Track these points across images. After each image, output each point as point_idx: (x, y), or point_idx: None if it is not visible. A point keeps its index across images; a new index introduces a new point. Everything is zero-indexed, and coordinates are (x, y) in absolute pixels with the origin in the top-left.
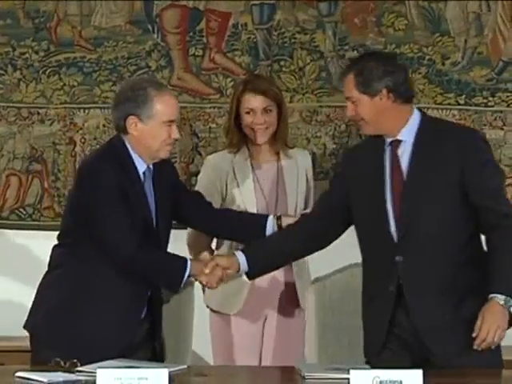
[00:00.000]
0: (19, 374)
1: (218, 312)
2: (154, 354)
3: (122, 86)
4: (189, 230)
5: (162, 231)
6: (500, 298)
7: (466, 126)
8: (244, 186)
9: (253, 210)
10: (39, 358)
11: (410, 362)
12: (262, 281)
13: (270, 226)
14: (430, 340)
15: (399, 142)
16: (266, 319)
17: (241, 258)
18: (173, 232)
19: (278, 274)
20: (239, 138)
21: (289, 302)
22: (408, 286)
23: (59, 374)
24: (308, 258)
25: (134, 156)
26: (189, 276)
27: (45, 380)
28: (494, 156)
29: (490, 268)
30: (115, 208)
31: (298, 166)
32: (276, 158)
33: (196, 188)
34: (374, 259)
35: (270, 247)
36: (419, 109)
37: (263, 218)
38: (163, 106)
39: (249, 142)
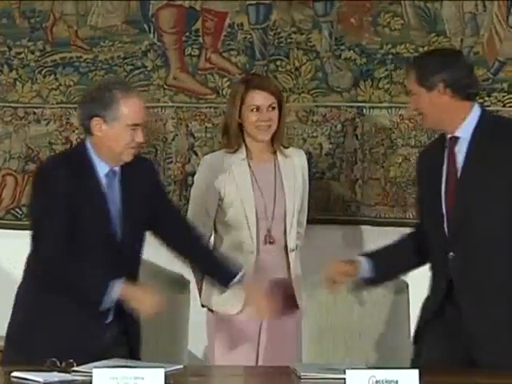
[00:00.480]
0: (15, 374)
1: (216, 312)
2: (131, 357)
3: (90, 86)
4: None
5: (128, 237)
6: None
7: None
8: (242, 185)
9: (251, 210)
10: (7, 361)
11: (453, 354)
12: (261, 282)
13: (236, 280)
14: (479, 336)
15: (457, 138)
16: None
17: (366, 263)
18: None
19: (276, 275)
20: (238, 138)
21: (287, 302)
22: (458, 283)
23: (55, 374)
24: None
25: (95, 158)
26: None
27: (41, 380)
28: None
29: None
30: (50, 214)
31: (295, 166)
32: (273, 157)
33: (192, 188)
34: (430, 250)
35: (393, 257)
36: (482, 106)
37: (234, 271)
38: (129, 109)
39: (247, 142)
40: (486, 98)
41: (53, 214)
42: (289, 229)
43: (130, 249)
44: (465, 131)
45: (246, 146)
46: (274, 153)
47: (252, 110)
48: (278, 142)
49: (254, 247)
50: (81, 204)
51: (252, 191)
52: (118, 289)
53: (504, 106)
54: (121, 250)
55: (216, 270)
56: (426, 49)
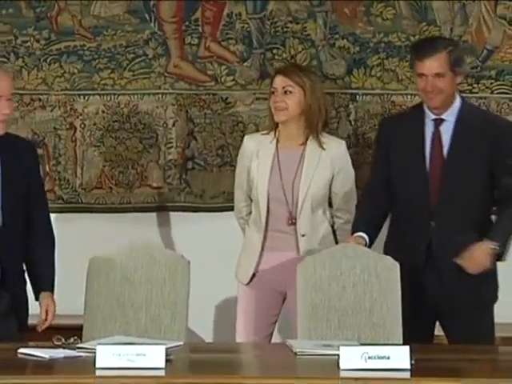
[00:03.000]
0: (22, 350)
1: (239, 281)
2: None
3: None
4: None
5: (9, 200)
6: (492, 242)
7: (502, 117)
8: (262, 165)
9: (264, 188)
10: None
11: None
12: (272, 256)
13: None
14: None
15: (442, 120)
16: (283, 294)
17: (365, 236)
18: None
19: (286, 255)
20: (272, 121)
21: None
22: (438, 249)
23: (60, 350)
24: None
25: None
26: None
27: (46, 356)
28: None
29: (492, 226)
30: None
31: (323, 153)
32: (303, 145)
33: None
34: (409, 222)
35: (370, 225)
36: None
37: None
38: None
39: (279, 126)
40: (475, 85)
41: None
42: (299, 214)
43: (11, 204)
44: (451, 114)
45: (279, 131)
46: (306, 141)
47: (272, 93)
48: (309, 129)
49: (263, 226)
50: None
51: (270, 171)
52: None
53: (492, 92)
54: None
55: (30, 275)
56: (417, 38)
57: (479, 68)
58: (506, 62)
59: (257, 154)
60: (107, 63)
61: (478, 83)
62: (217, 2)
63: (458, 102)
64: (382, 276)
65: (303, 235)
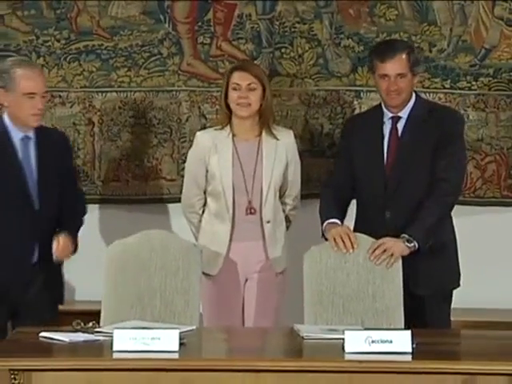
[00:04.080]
0: (43, 334)
1: (204, 273)
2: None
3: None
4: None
5: (43, 186)
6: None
7: (447, 106)
8: (223, 158)
9: (229, 180)
10: None
11: None
12: (240, 246)
13: None
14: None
15: (399, 118)
16: (246, 281)
17: (339, 222)
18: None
19: (252, 243)
20: (226, 116)
21: (266, 266)
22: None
23: (79, 334)
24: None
25: (10, 125)
26: None
27: (66, 340)
28: (463, 135)
29: (414, 216)
30: None
31: (278, 144)
32: (258, 136)
33: (186, 162)
34: (368, 212)
35: (339, 211)
36: (415, 91)
37: None
38: (22, 79)
39: (233, 120)
40: (473, 83)
41: None
42: (264, 202)
43: (46, 190)
44: (405, 112)
45: (232, 125)
46: (260, 132)
47: (234, 89)
48: (263, 121)
49: (230, 217)
50: None
51: (232, 165)
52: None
53: (490, 89)
54: (37, 212)
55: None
56: (418, 37)
57: (478, 66)
58: (503, 61)
59: (215, 149)
60: (124, 62)
61: (476, 81)
62: (228, 3)
63: (412, 100)
64: (383, 264)
65: (268, 222)
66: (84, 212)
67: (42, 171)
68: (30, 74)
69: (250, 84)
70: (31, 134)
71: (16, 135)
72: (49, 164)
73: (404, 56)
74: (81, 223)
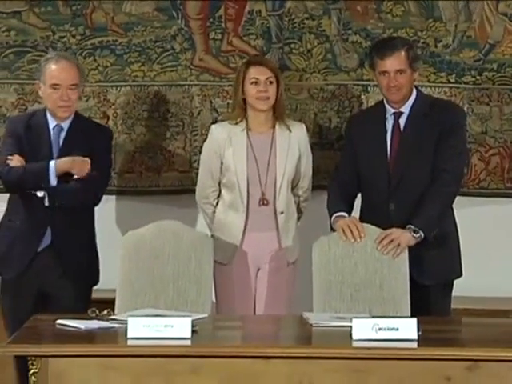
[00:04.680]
0: (59, 321)
1: (216, 262)
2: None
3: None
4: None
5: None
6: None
7: (448, 100)
8: (237, 151)
9: (243, 172)
10: None
11: None
12: (253, 236)
13: None
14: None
15: (401, 113)
16: (258, 271)
17: (347, 215)
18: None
19: (266, 234)
20: (241, 109)
21: (278, 256)
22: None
23: (95, 321)
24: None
25: (48, 115)
26: (59, 176)
27: (82, 327)
28: (464, 128)
29: (418, 207)
30: (4, 142)
31: (291, 137)
32: (272, 130)
33: (201, 154)
34: (372, 204)
35: (346, 205)
36: (416, 87)
37: None
38: (50, 71)
39: (249, 114)
40: (478, 77)
41: (4, 143)
42: (277, 193)
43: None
44: (407, 107)
45: (247, 119)
46: (274, 126)
47: (252, 84)
48: (276, 115)
49: (244, 208)
50: (21, 140)
51: (246, 158)
52: (55, 164)
53: (494, 83)
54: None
55: None
56: (424, 33)
57: (482, 61)
58: (507, 56)
59: (230, 142)
60: (137, 57)
61: (480, 75)
62: (239, 0)
63: (413, 95)
64: (390, 254)
65: (281, 212)
66: (83, 192)
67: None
68: (56, 67)
69: (268, 78)
70: (65, 124)
71: (51, 124)
72: (70, 153)
73: (403, 53)
74: (69, 197)
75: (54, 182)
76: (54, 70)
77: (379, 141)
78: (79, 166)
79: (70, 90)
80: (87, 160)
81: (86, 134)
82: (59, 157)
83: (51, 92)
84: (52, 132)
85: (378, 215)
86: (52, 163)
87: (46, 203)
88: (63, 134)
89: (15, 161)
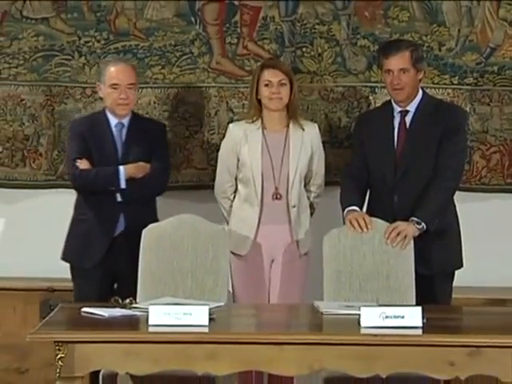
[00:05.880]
0: (84, 309)
1: (232, 253)
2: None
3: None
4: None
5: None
6: (416, 221)
7: (452, 102)
8: (253, 148)
9: (258, 168)
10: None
11: None
12: (267, 229)
13: None
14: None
15: (407, 111)
16: (272, 262)
17: (359, 210)
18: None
19: (279, 226)
20: (257, 110)
21: (291, 248)
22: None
23: (118, 309)
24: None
25: (109, 114)
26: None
27: (106, 314)
28: (465, 128)
29: (421, 200)
30: (70, 144)
31: (304, 135)
32: (286, 128)
33: (220, 151)
34: (378, 196)
35: (358, 199)
36: (421, 88)
37: None
38: (109, 72)
39: (264, 114)
40: (480, 79)
41: (70, 144)
42: (290, 188)
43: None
44: (414, 106)
45: (262, 118)
46: (288, 125)
47: (265, 85)
48: (290, 115)
49: (259, 202)
50: (85, 139)
51: (261, 154)
52: (124, 169)
53: (495, 85)
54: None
55: None
56: (428, 37)
57: (483, 64)
58: (507, 59)
59: (246, 139)
60: (158, 60)
61: (482, 77)
62: (253, 6)
63: (419, 95)
64: (399, 246)
65: (294, 206)
66: (152, 185)
67: (126, 154)
68: (115, 69)
69: (280, 80)
70: (125, 121)
71: (113, 122)
72: (133, 148)
73: (407, 53)
74: (140, 192)
75: (123, 185)
76: (113, 71)
77: (387, 137)
78: (143, 170)
79: (128, 89)
80: (147, 165)
81: (145, 130)
82: (123, 152)
83: (111, 91)
84: (114, 129)
85: (383, 206)
86: (121, 168)
87: (119, 199)
88: (125, 131)
89: (84, 164)
